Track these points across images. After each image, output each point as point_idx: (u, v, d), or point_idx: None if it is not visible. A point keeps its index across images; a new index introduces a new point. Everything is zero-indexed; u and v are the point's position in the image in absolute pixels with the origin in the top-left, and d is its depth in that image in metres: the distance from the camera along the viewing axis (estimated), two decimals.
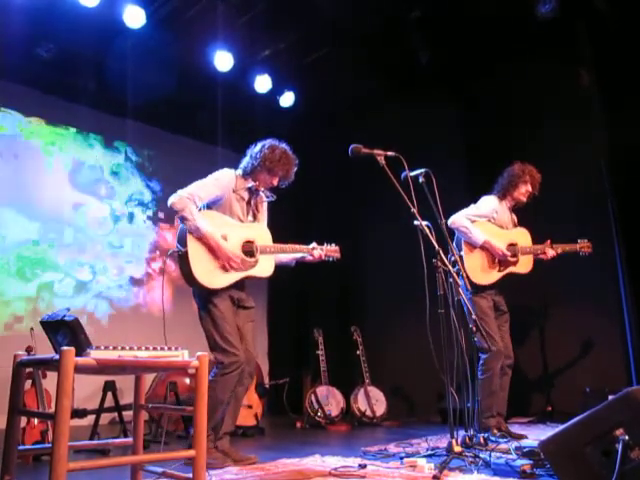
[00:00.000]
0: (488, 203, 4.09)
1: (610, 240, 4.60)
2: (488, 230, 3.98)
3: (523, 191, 4.05)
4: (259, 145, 3.29)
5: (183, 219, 2.96)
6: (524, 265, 3.98)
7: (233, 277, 3.08)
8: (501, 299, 4.01)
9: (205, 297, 3.04)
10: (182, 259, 2.97)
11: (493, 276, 3.93)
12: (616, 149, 4.61)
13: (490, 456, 2.68)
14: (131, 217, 5.93)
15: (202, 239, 2.97)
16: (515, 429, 4.25)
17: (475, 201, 5.52)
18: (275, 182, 3.28)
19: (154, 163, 6.25)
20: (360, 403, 5.06)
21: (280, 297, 6.68)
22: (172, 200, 2.99)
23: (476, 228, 3.92)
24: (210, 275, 2.98)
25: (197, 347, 2.43)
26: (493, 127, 5.65)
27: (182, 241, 2.98)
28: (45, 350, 2.13)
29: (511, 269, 3.95)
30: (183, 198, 2.98)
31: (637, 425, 1.86)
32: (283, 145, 3.29)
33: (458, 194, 5.22)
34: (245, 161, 3.29)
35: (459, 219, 3.92)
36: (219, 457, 2.93)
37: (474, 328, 3.29)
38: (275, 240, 3.30)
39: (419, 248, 3.23)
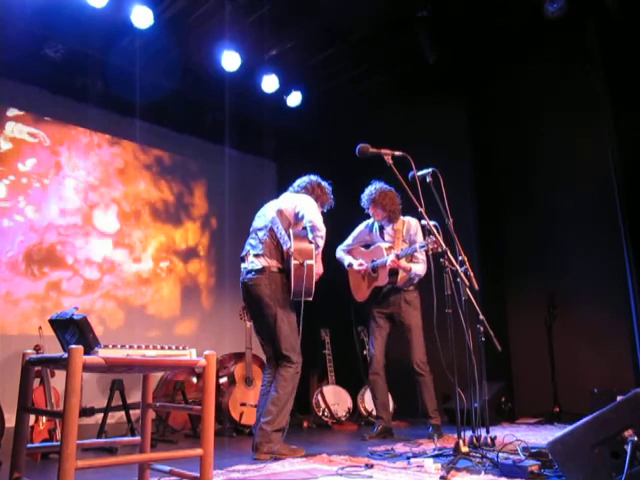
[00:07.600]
0: (354, 230, 4.36)
1: (619, 240, 4.56)
2: (358, 252, 4.31)
3: (375, 213, 4.18)
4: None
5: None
6: (382, 278, 4.09)
7: None
8: (393, 311, 4.12)
9: (293, 305, 3.38)
10: (307, 271, 3.32)
11: (365, 293, 4.21)
12: (626, 147, 4.58)
13: (498, 456, 2.67)
14: (139, 216, 5.95)
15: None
16: (523, 430, 4.24)
17: (477, 201, 5.55)
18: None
19: (161, 162, 6.27)
20: (367, 403, 5.05)
21: None
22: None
23: (346, 255, 4.31)
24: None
25: (204, 346, 2.43)
26: (499, 127, 5.62)
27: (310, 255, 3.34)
28: (53, 349, 2.15)
29: (375, 284, 4.14)
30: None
31: None
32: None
33: (463, 194, 5.21)
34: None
35: (337, 252, 4.35)
36: (289, 449, 3.25)
37: (482, 328, 3.28)
38: None
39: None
